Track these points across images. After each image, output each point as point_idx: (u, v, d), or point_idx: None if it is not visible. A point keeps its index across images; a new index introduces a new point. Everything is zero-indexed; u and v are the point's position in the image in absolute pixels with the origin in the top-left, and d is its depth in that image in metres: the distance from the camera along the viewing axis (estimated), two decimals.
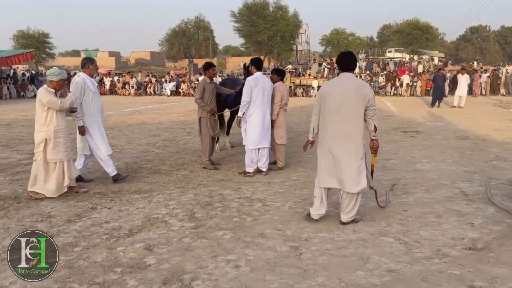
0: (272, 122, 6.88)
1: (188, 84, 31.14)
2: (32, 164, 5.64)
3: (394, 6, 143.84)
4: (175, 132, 11.88)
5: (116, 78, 34.06)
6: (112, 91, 32.30)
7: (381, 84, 28.60)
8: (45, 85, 5.58)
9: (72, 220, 4.78)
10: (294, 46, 56.00)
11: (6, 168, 7.35)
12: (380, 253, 3.83)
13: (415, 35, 44.31)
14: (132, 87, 31.78)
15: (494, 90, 27.62)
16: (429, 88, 27.19)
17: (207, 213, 4.99)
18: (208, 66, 7.07)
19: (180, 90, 30.92)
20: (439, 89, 18.85)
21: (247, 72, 7.33)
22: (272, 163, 7.13)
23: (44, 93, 5.44)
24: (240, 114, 6.68)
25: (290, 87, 26.94)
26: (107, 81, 33.22)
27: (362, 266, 3.56)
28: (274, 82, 6.98)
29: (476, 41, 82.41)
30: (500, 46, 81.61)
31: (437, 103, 18.81)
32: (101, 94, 32.92)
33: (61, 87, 5.56)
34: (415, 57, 42.86)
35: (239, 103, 7.27)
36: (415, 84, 27.69)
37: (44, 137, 5.44)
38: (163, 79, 33.07)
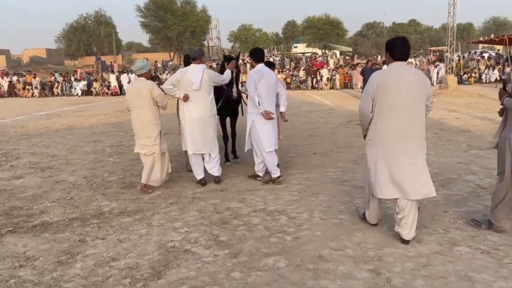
0: None
1: (101, 82, 28.73)
2: (151, 157, 5.55)
3: (298, 3, 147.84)
4: (117, 136, 10.44)
5: (15, 78, 30.32)
6: (11, 92, 28.73)
7: (302, 79, 28.84)
8: (143, 79, 5.51)
9: (63, 261, 3.62)
10: (205, 42, 54.96)
11: None
12: (474, 268, 3.30)
13: (326, 30, 45.74)
14: (36, 87, 28.50)
15: None
16: (347, 81, 28.12)
17: (232, 234, 4.11)
18: None
19: (92, 89, 28.41)
20: None
21: (227, 63, 6.38)
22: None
23: (156, 87, 5.51)
24: (261, 109, 5.60)
25: None
26: (4, 82, 29.44)
27: None
28: None
29: (372, 37, 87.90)
30: None
31: None
32: None
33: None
34: (328, 52, 44.30)
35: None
36: (334, 77, 28.35)
37: (159, 129, 5.57)
38: (72, 78, 30.14)
